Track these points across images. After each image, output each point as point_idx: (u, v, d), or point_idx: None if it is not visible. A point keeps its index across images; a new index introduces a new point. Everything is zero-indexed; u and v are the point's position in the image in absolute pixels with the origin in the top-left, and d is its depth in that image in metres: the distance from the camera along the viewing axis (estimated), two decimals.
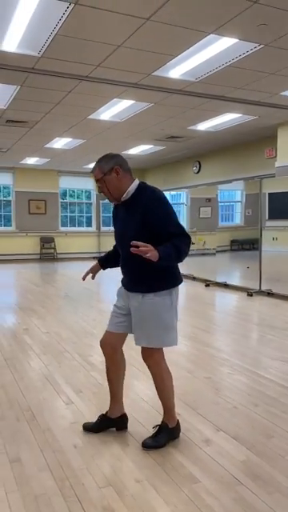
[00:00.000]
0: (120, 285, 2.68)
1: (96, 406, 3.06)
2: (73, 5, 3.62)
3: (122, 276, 2.65)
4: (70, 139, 9.32)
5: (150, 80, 5.44)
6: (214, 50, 4.56)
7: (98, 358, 4.10)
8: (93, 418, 2.87)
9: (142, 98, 6.24)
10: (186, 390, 3.32)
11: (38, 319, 5.71)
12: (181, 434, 2.65)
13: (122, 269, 2.63)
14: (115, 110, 6.97)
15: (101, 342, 2.75)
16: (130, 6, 3.63)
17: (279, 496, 2.06)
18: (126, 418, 2.75)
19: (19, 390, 3.37)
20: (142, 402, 3.12)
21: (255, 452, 2.45)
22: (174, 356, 4.13)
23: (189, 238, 2.42)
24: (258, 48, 4.45)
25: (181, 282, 2.56)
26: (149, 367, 2.63)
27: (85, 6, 3.64)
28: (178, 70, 5.15)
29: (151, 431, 2.61)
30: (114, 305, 2.70)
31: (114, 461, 2.37)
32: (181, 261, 2.39)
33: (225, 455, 2.42)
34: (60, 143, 9.75)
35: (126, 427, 2.73)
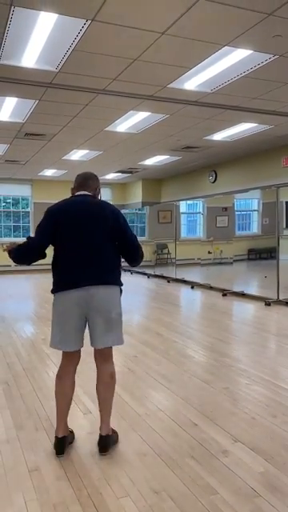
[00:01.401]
0: None
1: (113, 416, 3.07)
2: (90, 21, 3.71)
3: None
4: (87, 151, 9.44)
5: (166, 92, 5.51)
6: (228, 61, 4.60)
7: (117, 368, 4.13)
8: None
9: (158, 109, 6.31)
10: (204, 400, 3.31)
11: None
12: (198, 444, 2.65)
13: None
14: (131, 121, 7.06)
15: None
16: (145, 21, 3.71)
17: None
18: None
19: (38, 399, 3.41)
20: (159, 412, 3.12)
21: (274, 464, 2.43)
22: (192, 366, 4.14)
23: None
24: (273, 58, 4.48)
25: (62, 288, 2.57)
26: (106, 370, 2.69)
27: (101, 22, 3.73)
28: (194, 81, 5.21)
29: (168, 441, 2.61)
30: None
31: (132, 471, 2.38)
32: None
33: (243, 466, 2.40)
34: (77, 155, 9.89)
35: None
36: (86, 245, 2.55)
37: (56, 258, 2.61)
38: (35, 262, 2.66)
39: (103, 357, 2.69)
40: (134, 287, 10.39)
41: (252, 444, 2.65)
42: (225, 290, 8.75)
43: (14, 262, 2.63)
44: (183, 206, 13.58)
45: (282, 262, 7.67)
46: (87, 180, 2.78)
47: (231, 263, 9.39)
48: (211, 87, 5.37)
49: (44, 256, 2.64)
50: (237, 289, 8.70)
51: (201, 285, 9.86)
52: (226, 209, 11.14)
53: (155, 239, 12.99)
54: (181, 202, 12.67)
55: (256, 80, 5.09)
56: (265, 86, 5.31)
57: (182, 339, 5.20)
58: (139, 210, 14.78)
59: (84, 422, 3.00)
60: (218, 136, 8.15)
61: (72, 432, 2.74)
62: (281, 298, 7.41)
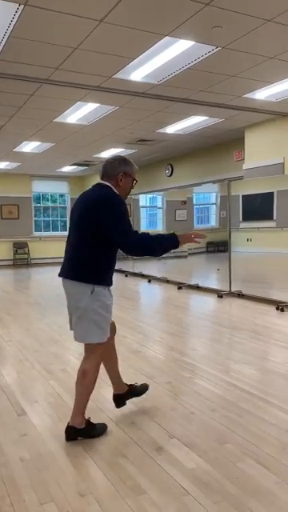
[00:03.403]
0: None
1: (50, 416, 2.98)
2: (22, 6, 3.55)
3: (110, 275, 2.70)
4: (38, 143, 9.20)
5: (112, 83, 5.39)
6: (172, 52, 4.54)
7: (59, 366, 4.03)
8: (45, 429, 2.80)
9: (106, 101, 6.19)
10: (145, 396, 3.26)
11: (3, 328, 5.58)
12: (133, 443, 2.59)
13: (112, 265, 2.71)
14: (81, 113, 6.90)
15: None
16: (81, 7, 3.58)
17: (226, 505, 2.02)
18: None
19: None
20: (99, 412, 3.04)
21: (206, 459, 2.40)
22: (138, 361, 4.09)
23: None
24: (216, 50, 4.45)
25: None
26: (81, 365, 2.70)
27: (35, 7, 3.57)
28: (139, 72, 5.12)
29: (103, 441, 2.55)
30: (110, 304, 2.68)
31: (60, 475, 2.30)
32: None
33: (175, 464, 2.37)
34: (29, 147, 9.62)
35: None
36: (69, 238, 2.67)
37: None
38: None
39: (85, 351, 2.69)
40: None
41: (187, 440, 2.62)
42: (180, 284, 8.77)
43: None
44: (143, 200, 13.52)
45: (239, 255, 7.75)
46: (105, 168, 2.66)
47: (186, 256, 9.43)
48: (157, 79, 5.29)
49: None
50: (193, 282, 8.74)
51: (158, 278, 9.85)
52: (184, 202, 11.17)
53: None
54: (140, 196, 12.61)
55: (201, 72, 5.06)
56: (210, 78, 5.29)
57: (132, 334, 5.15)
58: None
59: (17, 424, 2.88)
60: (171, 129, 8.11)
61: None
62: (233, 289, 7.49)
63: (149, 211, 14.21)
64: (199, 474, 2.27)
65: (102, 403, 3.16)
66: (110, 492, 2.13)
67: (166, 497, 2.08)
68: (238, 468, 2.32)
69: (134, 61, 4.73)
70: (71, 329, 2.70)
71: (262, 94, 6.05)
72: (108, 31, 3.98)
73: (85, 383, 2.62)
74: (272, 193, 8.15)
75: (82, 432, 2.63)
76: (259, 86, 5.67)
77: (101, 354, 2.69)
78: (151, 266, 10.61)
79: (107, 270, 2.62)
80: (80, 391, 2.63)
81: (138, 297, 8.73)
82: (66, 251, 2.69)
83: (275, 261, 7.78)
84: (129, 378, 3.65)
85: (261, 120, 7.49)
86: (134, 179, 2.72)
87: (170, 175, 11.78)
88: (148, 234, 2.55)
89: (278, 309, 6.31)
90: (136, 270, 10.88)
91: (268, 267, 8.20)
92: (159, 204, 12.83)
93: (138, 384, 3.10)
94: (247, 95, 6.02)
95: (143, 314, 6.78)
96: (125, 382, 3.03)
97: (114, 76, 5.18)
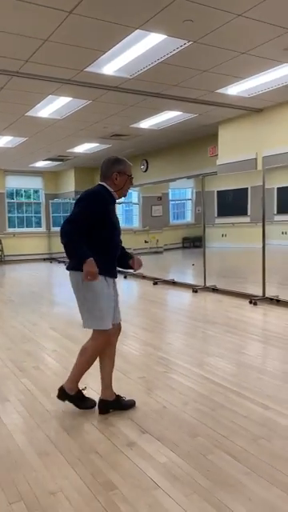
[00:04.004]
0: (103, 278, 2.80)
1: (20, 414, 2.93)
2: None
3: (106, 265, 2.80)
4: (10, 137, 9.04)
5: (84, 76, 5.33)
6: (144, 46, 4.52)
7: (31, 363, 3.98)
8: (15, 427, 2.75)
9: (79, 94, 6.12)
10: (118, 392, 3.24)
11: None
12: (105, 438, 2.58)
13: (114, 259, 2.91)
14: (53, 107, 6.80)
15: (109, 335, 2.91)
16: None
17: (196, 497, 2.03)
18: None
19: None
20: (72, 408, 3.01)
21: (178, 453, 2.41)
22: None
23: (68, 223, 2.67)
24: (188, 45, 4.44)
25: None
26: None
27: None
28: (111, 66, 5.08)
29: (75, 438, 2.53)
30: (106, 293, 2.81)
31: (30, 473, 2.26)
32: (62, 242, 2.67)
33: (146, 458, 2.36)
34: (1, 142, 9.44)
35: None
36: None
37: None
38: None
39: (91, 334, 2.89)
40: (65, 279, 10.18)
41: (159, 434, 2.62)
42: (156, 279, 8.78)
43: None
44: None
45: (214, 250, 7.80)
46: (101, 169, 2.81)
47: (161, 252, 9.44)
48: (130, 73, 5.26)
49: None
50: (168, 277, 8.77)
51: (134, 274, 9.83)
52: (160, 198, 11.17)
53: None
54: None
55: (173, 67, 5.05)
56: (183, 73, 5.29)
57: None
58: (73, 199, 14.47)
59: None
60: (145, 124, 8.09)
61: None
62: (208, 284, 7.55)
63: (125, 207, 14.17)
64: (170, 467, 2.27)
65: None
66: (81, 489, 2.11)
67: (136, 492, 2.08)
68: (208, 460, 2.33)
69: (106, 54, 4.68)
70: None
71: (235, 90, 6.09)
72: (78, 23, 3.93)
73: (81, 361, 2.87)
74: (246, 188, 8.24)
75: (70, 398, 2.92)
76: (231, 81, 5.71)
77: (103, 342, 2.84)
78: None
79: (100, 259, 2.67)
80: (77, 365, 2.90)
81: None
82: None
83: (249, 256, 7.87)
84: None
85: (234, 116, 7.55)
86: (130, 176, 2.82)
87: (146, 170, 11.77)
88: (79, 239, 2.64)
89: (251, 302, 6.39)
90: None
91: (242, 262, 8.28)
92: (135, 200, 12.80)
93: (126, 398, 3.02)
94: (220, 90, 6.05)
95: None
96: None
97: (85, 69, 5.12)
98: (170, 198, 11.66)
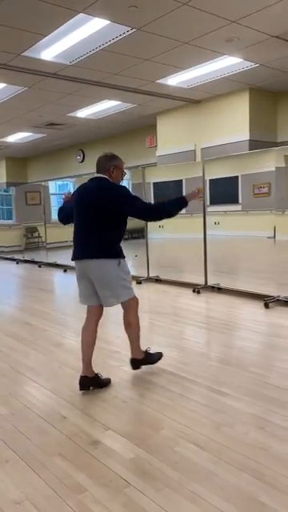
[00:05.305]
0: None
1: None
2: None
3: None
4: None
5: (21, 61, 5.07)
6: (86, 31, 4.37)
7: None
8: None
9: (14, 80, 5.82)
10: (75, 390, 3.15)
11: None
12: (67, 439, 2.48)
13: None
14: None
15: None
16: None
17: (168, 491, 2.01)
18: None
19: None
20: (25, 410, 2.87)
21: (144, 447, 2.37)
22: (63, 355, 3.94)
23: None
24: (131, 32, 4.36)
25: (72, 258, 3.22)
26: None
27: None
28: (51, 51, 4.87)
29: (34, 441, 2.40)
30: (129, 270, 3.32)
31: None
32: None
33: (113, 456, 2.30)
34: None
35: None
36: (79, 225, 3.11)
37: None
38: (63, 223, 3.42)
39: (123, 309, 3.43)
40: (1, 274, 9.77)
41: (122, 430, 2.57)
42: None
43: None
44: (52, 187, 13.08)
45: (154, 241, 7.82)
46: (99, 162, 3.12)
47: None
48: (70, 59, 5.08)
49: (66, 222, 3.36)
50: None
51: (73, 268, 9.60)
52: None
53: (24, 222, 12.30)
54: (50, 183, 12.18)
55: (115, 54, 4.95)
56: (125, 61, 5.20)
57: (53, 327, 4.95)
58: (5, 191, 13.85)
59: None
60: (82, 113, 7.90)
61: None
62: (151, 275, 7.58)
63: (59, 199, 13.80)
64: (139, 463, 2.23)
65: (26, 399, 2.99)
66: (48, 495, 2.01)
67: (108, 491, 2.01)
68: (176, 452, 2.32)
69: (46, 38, 4.47)
70: (85, 303, 3.28)
71: (174, 80, 6.10)
72: (17, 3, 3.70)
73: (133, 330, 3.38)
74: (181, 180, 8.33)
75: (142, 361, 3.41)
76: (172, 71, 5.71)
77: (136, 305, 3.36)
78: (66, 256, 10.34)
79: (118, 244, 3.15)
80: (131, 336, 3.38)
81: (55, 288, 8.48)
82: (80, 236, 3.10)
83: (186, 245, 8.00)
84: (53, 373, 3.52)
85: (172, 107, 7.59)
86: (123, 171, 3.19)
87: (82, 161, 11.55)
88: (161, 205, 3.30)
89: (194, 291, 6.50)
90: (50, 260, 10.54)
91: (180, 252, 8.41)
92: (70, 191, 12.52)
93: (103, 376, 3.25)
94: (160, 81, 6.04)
95: (62, 305, 6.59)
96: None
97: (22, 54, 4.87)
98: None
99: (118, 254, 3.11)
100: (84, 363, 3.17)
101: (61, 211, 3.40)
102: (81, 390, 3.09)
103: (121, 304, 3.29)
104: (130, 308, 3.34)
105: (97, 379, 3.17)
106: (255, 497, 1.94)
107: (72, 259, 3.19)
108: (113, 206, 2.99)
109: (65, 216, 3.34)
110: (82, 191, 3.16)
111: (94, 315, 3.29)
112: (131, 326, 3.37)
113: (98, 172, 3.13)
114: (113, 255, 3.07)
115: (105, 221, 3.00)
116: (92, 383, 3.14)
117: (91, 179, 3.18)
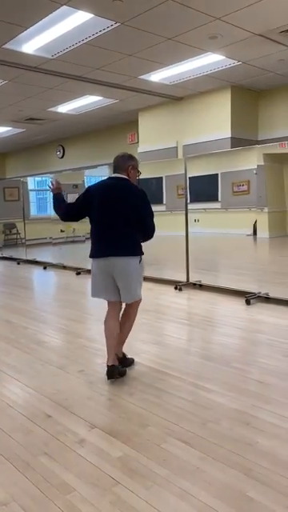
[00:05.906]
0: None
1: None
2: None
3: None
4: None
5: (1, 54, 4.99)
6: (69, 24, 4.32)
7: None
8: None
9: None
10: (58, 387, 3.11)
11: None
12: (53, 438, 2.45)
13: None
14: None
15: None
16: None
17: (157, 488, 2.00)
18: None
19: None
20: (8, 409, 2.82)
21: (131, 445, 2.36)
22: (45, 352, 3.89)
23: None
24: (115, 26, 4.33)
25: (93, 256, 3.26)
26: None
27: None
28: (32, 44, 4.79)
29: (18, 440, 2.36)
30: None
31: None
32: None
33: (100, 454, 2.28)
34: None
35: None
36: (104, 222, 3.15)
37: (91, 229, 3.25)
38: (64, 220, 3.41)
39: (127, 304, 3.45)
40: None
41: (109, 428, 2.54)
42: (78, 269, 8.59)
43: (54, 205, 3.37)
44: (31, 183, 12.90)
45: None
46: (118, 162, 3.20)
47: (84, 241, 9.25)
48: (52, 53, 5.01)
49: (73, 219, 3.39)
50: (90, 266, 8.60)
51: (54, 265, 9.52)
52: (76, 186, 10.90)
53: (2, 218, 12.10)
54: (28, 179, 12.02)
55: (98, 49, 4.90)
56: (107, 56, 5.16)
57: (34, 324, 4.88)
58: None
59: None
60: (63, 108, 7.81)
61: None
62: None
63: (38, 195, 13.61)
64: (126, 461, 2.22)
65: (9, 398, 2.93)
66: (35, 495, 1.97)
67: (96, 490, 1.99)
68: (163, 449, 2.31)
69: (27, 30, 4.40)
70: (104, 297, 3.35)
71: (157, 77, 6.09)
72: None
73: (130, 322, 3.43)
74: (161, 177, 8.33)
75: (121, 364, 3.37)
76: (155, 67, 5.69)
77: (139, 300, 3.39)
78: (45, 253, 10.23)
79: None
80: (126, 328, 3.41)
81: (35, 285, 8.37)
82: (105, 234, 3.15)
83: (167, 243, 8.00)
84: (36, 371, 3.47)
85: (154, 103, 7.58)
86: (138, 171, 3.29)
87: (62, 157, 11.43)
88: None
89: (176, 288, 6.51)
90: (29, 257, 10.40)
91: (161, 249, 8.41)
92: (58, 180, 12.36)
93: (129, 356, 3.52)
94: (143, 76, 6.02)
95: (43, 303, 6.50)
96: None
97: (3, 46, 4.78)
98: (86, 185, 11.46)
99: (141, 252, 3.25)
100: (111, 353, 3.25)
101: (61, 206, 3.33)
102: (109, 379, 3.18)
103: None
104: (135, 303, 3.41)
105: (125, 360, 3.44)
106: (244, 492, 1.95)
107: (94, 256, 3.21)
108: (139, 210, 3.13)
109: (72, 213, 3.31)
110: (106, 189, 3.18)
111: (115, 309, 3.38)
112: (130, 317, 3.43)
113: (115, 171, 3.20)
114: (136, 253, 3.21)
115: (134, 220, 3.12)
116: (122, 364, 3.35)
117: (111, 178, 3.22)
